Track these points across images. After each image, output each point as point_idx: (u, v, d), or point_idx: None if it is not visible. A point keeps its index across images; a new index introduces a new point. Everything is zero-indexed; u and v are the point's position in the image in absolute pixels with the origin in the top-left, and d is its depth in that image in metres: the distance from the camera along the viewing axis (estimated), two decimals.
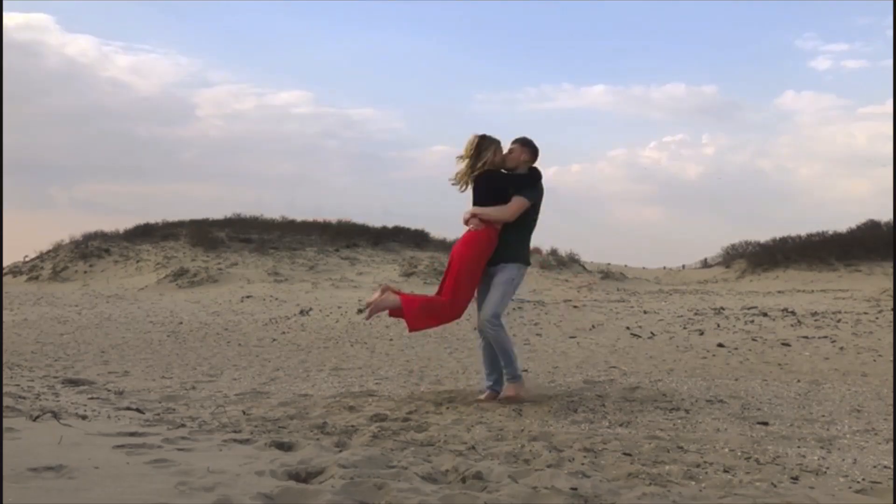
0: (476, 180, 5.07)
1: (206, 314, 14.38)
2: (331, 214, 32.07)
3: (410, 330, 5.03)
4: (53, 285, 21.43)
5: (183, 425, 3.68)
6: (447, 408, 4.74)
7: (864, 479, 3.05)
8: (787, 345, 8.96)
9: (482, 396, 5.15)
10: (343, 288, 18.94)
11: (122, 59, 53.36)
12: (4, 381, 5.17)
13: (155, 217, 31.37)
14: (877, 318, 10.89)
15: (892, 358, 7.84)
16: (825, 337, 9.46)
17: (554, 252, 23.69)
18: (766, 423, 4.48)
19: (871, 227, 22.73)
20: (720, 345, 9.02)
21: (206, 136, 52.34)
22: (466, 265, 4.99)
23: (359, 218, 27.25)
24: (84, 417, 3.80)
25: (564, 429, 4.05)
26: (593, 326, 11.10)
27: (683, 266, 29.28)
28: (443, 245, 25.17)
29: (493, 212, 5.01)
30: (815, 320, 10.91)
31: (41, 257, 24.55)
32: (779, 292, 16.30)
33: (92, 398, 4.96)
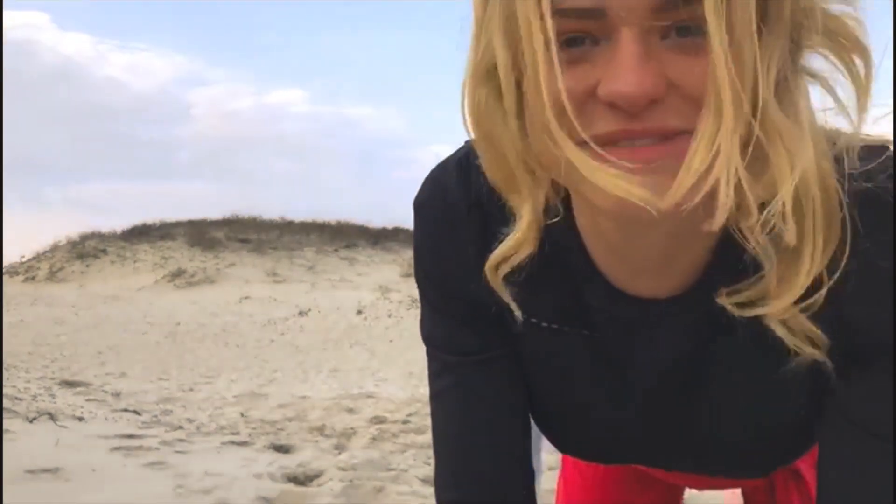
0: None
1: (203, 315, 14.36)
2: (330, 214, 31.98)
3: None
4: (50, 286, 21.39)
5: (180, 427, 3.66)
6: None
7: None
8: None
9: None
10: (342, 289, 18.93)
11: (118, 57, 53.39)
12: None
13: (152, 217, 31.32)
14: None
15: None
16: None
17: None
18: None
19: None
20: None
21: (202, 135, 52.38)
22: None
23: (358, 218, 27.17)
24: (81, 419, 3.78)
25: None
26: None
27: None
28: None
29: None
30: None
31: (37, 258, 24.49)
32: None
33: (89, 400, 4.94)
